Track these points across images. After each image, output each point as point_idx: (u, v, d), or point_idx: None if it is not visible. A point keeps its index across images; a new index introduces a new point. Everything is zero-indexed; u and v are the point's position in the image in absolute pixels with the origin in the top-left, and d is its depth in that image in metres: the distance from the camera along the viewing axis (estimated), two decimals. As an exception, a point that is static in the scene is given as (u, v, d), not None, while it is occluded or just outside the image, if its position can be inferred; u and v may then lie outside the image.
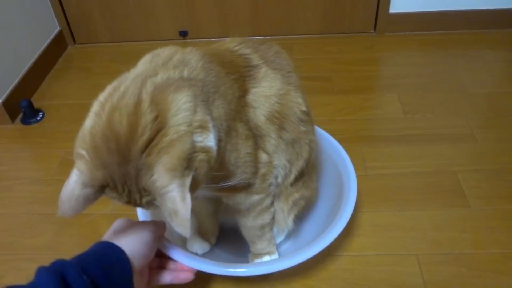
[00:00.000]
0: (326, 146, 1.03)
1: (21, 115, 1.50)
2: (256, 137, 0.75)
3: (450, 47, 1.69)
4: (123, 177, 0.56)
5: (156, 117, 0.55)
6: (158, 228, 0.77)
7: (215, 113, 0.64)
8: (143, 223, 0.78)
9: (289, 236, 0.99)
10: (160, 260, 0.82)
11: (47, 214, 1.15)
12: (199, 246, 0.97)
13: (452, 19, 1.73)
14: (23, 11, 1.61)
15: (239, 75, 0.74)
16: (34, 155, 1.38)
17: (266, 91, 0.76)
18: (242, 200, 0.80)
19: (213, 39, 1.84)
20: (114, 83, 0.63)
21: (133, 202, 0.60)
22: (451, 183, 1.13)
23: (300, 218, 0.96)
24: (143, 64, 0.68)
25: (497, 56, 1.61)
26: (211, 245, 0.99)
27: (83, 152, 0.57)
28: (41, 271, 0.61)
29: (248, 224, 0.86)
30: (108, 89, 0.62)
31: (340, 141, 1.02)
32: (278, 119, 0.77)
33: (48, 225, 1.12)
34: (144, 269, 0.74)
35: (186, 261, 0.79)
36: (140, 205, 0.60)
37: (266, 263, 0.89)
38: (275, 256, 0.93)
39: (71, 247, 1.06)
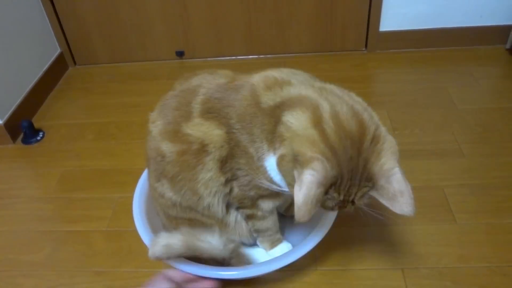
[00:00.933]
0: None
1: (22, 135, 1.55)
2: None
3: (440, 63, 1.73)
4: (351, 171, 0.66)
5: (370, 116, 0.69)
6: (175, 277, 0.84)
7: None
8: (160, 280, 0.83)
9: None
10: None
11: (45, 231, 1.19)
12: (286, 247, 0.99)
13: (441, 37, 1.77)
14: (24, 34, 1.66)
15: None
16: (34, 174, 1.42)
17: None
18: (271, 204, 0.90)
19: (208, 59, 1.89)
20: (306, 102, 0.71)
21: (347, 199, 0.70)
22: (437, 198, 1.15)
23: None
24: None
25: (486, 73, 1.65)
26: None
27: (317, 155, 0.65)
28: None
29: None
30: (303, 110, 0.70)
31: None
32: None
33: (46, 242, 1.15)
34: None
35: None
36: (352, 202, 0.71)
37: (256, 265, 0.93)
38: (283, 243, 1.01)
39: (67, 263, 1.09)
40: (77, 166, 1.40)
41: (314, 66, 1.79)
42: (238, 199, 0.85)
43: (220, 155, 0.78)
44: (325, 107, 0.69)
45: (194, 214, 0.87)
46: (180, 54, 1.90)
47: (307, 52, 1.86)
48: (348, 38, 1.82)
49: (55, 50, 1.88)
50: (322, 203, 0.70)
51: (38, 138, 1.54)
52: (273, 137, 0.73)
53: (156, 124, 0.84)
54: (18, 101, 1.59)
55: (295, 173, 0.67)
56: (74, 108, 1.70)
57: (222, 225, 0.89)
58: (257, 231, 0.93)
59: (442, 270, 0.98)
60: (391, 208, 0.68)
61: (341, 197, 0.69)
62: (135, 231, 0.93)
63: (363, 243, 1.05)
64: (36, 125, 1.57)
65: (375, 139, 0.68)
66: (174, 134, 0.81)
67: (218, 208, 0.85)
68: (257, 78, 0.79)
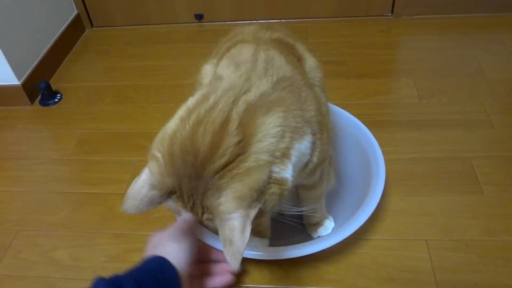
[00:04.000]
0: (354, 130, 1.09)
1: (39, 96, 1.53)
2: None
3: (469, 31, 1.65)
4: (191, 190, 0.56)
5: (240, 142, 0.54)
6: (188, 224, 0.80)
7: (308, 113, 0.65)
8: (177, 226, 0.79)
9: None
10: (200, 267, 0.85)
11: (64, 193, 1.19)
12: (260, 244, 0.95)
13: (471, 2, 1.68)
14: (41, -6, 1.63)
15: (297, 59, 0.77)
16: (52, 136, 1.41)
17: (311, 64, 0.81)
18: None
19: (228, 22, 1.84)
20: (204, 90, 0.62)
21: (194, 214, 0.59)
22: (464, 169, 1.11)
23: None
24: (228, 70, 0.66)
25: (518, 40, 1.57)
26: (269, 239, 0.97)
27: (158, 155, 0.57)
28: (99, 281, 0.64)
29: (316, 195, 0.89)
30: (197, 96, 0.61)
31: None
32: (323, 86, 0.82)
33: (65, 203, 1.15)
34: (188, 274, 0.75)
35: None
36: (201, 219, 0.60)
37: (297, 247, 0.86)
38: (330, 219, 0.99)
39: (85, 225, 1.09)
40: (94, 128, 1.39)
41: (337, 31, 1.73)
42: None
43: None
44: (211, 99, 0.58)
45: None
46: (199, 17, 1.84)
47: (330, 16, 1.79)
48: (374, 2, 1.74)
49: (72, 11, 1.84)
50: (168, 204, 0.61)
51: (56, 100, 1.52)
52: None
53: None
54: (36, 62, 1.57)
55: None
56: (91, 71, 1.68)
57: None
58: None
59: (468, 242, 0.95)
60: (224, 252, 0.55)
61: (188, 210, 0.59)
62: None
63: (386, 213, 1.02)
64: (54, 87, 1.55)
65: (226, 172, 0.53)
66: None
67: None
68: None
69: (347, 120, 1.10)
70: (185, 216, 0.80)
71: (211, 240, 0.84)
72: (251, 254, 0.84)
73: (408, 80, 1.43)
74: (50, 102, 1.51)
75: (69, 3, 1.82)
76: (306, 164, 0.67)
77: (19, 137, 1.40)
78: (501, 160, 1.13)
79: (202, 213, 0.58)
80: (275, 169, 0.56)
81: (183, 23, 1.87)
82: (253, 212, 0.54)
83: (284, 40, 0.80)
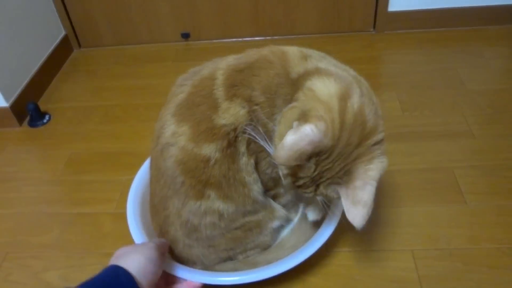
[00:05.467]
0: None
1: (28, 118, 1.54)
2: None
3: (449, 44, 1.70)
4: (340, 155, 0.65)
5: (383, 126, 0.70)
6: (161, 245, 0.80)
7: None
8: (145, 243, 0.79)
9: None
10: (167, 279, 0.84)
11: (54, 213, 1.19)
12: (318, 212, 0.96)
13: (450, 17, 1.74)
14: (29, 16, 1.65)
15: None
16: (41, 157, 1.41)
17: None
18: None
19: (214, 41, 1.87)
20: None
21: (317, 178, 0.67)
22: (447, 179, 1.14)
23: None
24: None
25: (496, 53, 1.62)
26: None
27: (328, 119, 0.63)
28: None
29: None
30: (336, 87, 0.69)
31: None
32: None
33: (55, 224, 1.16)
34: (152, 286, 0.74)
35: (191, 277, 0.84)
36: (317, 186, 0.69)
37: (258, 270, 0.87)
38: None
39: (76, 245, 1.09)
40: (84, 148, 1.40)
41: (321, 47, 1.72)
42: (264, 183, 0.84)
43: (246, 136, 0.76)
44: (357, 91, 0.68)
45: (243, 217, 0.85)
46: (185, 36, 1.87)
47: (314, 33, 1.83)
48: (356, 18, 1.79)
49: (60, 32, 1.86)
50: (293, 170, 0.68)
51: (45, 121, 1.53)
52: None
53: (182, 131, 0.76)
54: (24, 84, 1.58)
55: (295, 124, 0.64)
56: (80, 91, 1.69)
57: (269, 212, 0.89)
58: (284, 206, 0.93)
59: (452, 251, 0.97)
60: (346, 211, 0.67)
61: (315, 173, 0.67)
62: (144, 213, 0.93)
63: (372, 225, 1.04)
64: (42, 108, 1.56)
65: (377, 146, 0.67)
66: (210, 131, 0.75)
67: (261, 195, 0.84)
68: (288, 49, 0.79)
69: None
70: (156, 240, 0.82)
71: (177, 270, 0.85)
72: (233, 280, 0.84)
73: (391, 93, 1.46)
74: (39, 123, 1.52)
75: (57, 24, 1.84)
76: None
77: (8, 159, 1.40)
78: (483, 170, 1.16)
79: (329, 178, 0.67)
80: None
81: (170, 42, 1.89)
82: None
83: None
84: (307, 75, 0.72)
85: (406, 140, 1.27)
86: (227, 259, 0.92)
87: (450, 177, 1.14)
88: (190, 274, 0.85)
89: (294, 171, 0.68)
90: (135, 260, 0.71)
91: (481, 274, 0.93)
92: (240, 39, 1.86)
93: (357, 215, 0.65)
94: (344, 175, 0.67)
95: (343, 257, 0.98)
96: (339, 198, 0.69)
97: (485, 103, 1.39)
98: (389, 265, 0.96)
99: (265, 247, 0.95)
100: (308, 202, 0.94)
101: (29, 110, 1.51)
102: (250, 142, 0.77)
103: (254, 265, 0.90)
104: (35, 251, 1.09)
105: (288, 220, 0.97)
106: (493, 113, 1.35)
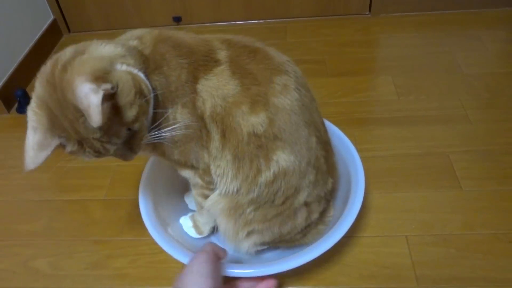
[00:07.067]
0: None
1: (16, 104, 1.51)
2: (201, 131, 0.75)
3: (446, 27, 1.67)
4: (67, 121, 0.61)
5: (76, 52, 0.64)
6: (212, 252, 0.75)
7: (152, 83, 0.70)
8: (197, 256, 0.73)
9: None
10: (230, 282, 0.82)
11: (42, 201, 1.17)
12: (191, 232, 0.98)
13: (448, -1, 1.70)
14: (16, 0, 1.60)
15: (192, 61, 0.73)
16: (30, 144, 1.39)
17: (213, 89, 0.73)
18: (191, 176, 0.84)
19: (206, 24, 1.83)
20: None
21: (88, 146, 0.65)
22: (442, 165, 1.12)
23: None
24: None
25: (494, 36, 1.59)
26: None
27: (35, 104, 0.66)
28: None
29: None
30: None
31: (333, 124, 1.03)
32: (221, 124, 0.74)
33: (43, 211, 1.14)
34: None
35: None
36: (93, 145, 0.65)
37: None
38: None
39: (65, 232, 1.08)
40: None
41: (315, 31, 1.74)
42: None
43: None
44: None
45: None
46: (177, 19, 1.84)
47: (309, 16, 1.80)
48: (352, 1, 1.76)
49: (48, 17, 1.82)
50: None
51: (33, 107, 1.50)
52: None
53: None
54: (11, 70, 1.54)
55: None
56: (70, 76, 1.66)
57: None
58: None
59: (446, 237, 0.96)
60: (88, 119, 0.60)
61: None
62: (133, 200, 0.91)
63: (366, 210, 1.03)
64: (31, 94, 1.53)
65: (67, 67, 0.61)
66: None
67: None
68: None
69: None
70: (207, 247, 0.76)
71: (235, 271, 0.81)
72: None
73: (386, 78, 1.44)
74: (27, 109, 1.48)
75: (45, 9, 1.80)
76: None
77: (-4, 146, 1.38)
78: (478, 155, 1.14)
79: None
80: (118, 65, 0.65)
81: (162, 25, 1.85)
82: (104, 86, 0.58)
83: (209, 47, 0.77)
84: None
85: (401, 125, 1.25)
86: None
87: (445, 162, 1.13)
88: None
89: None
90: (193, 283, 0.68)
91: (476, 260, 0.91)
92: (233, 23, 1.83)
93: (89, 117, 0.58)
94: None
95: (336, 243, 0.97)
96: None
97: (481, 87, 1.37)
98: (383, 251, 0.95)
99: None
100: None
101: (17, 96, 1.48)
102: None
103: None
104: (23, 239, 1.08)
105: None
106: (490, 97, 1.33)
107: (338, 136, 1.02)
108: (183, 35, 0.77)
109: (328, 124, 1.03)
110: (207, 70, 0.73)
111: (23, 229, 1.10)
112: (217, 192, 0.83)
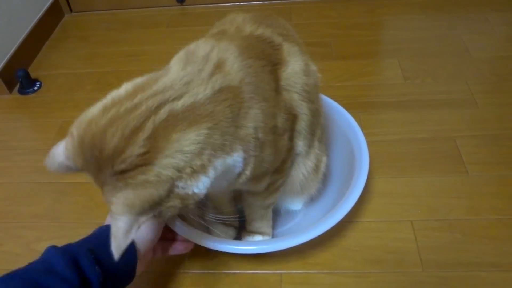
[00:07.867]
0: (334, 115, 1.03)
1: (18, 85, 1.50)
2: (291, 122, 0.74)
3: (453, 9, 1.63)
4: (95, 175, 0.57)
5: (144, 153, 0.53)
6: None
7: (243, 131, 0.61)
8: None
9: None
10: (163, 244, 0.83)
11: (46, 183, 1.16)
12: (224, 233, 0.93)
13: (456, -20, 1.67)
14: (16, -22, 1.58)
15: (272, 64, 0.70)
16: (32, 125, 1.38)
17: (295, 68, 0.72)
18: (278, 178, 0.79)
19: (210, 5, 1.80)
20: (137, 81, 0.60)
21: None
22: (449, 149, 1.11)
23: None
24: (177, 65, 0.63)
25: (502, 19, 1.56)
26: (236, 229, 0.96)
27: (74, 135, 0.57)
28: (51, 249, 0.63)
29: (258, 203, 0.85)
30: (126, 87, 0.59)
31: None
32: (308, 93, 0.74)
33: (47, 194, 1.13)
34: (148, 251, 0.73)
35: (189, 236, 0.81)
36: None
37: (271, 241, 0.87)
38: (267, 237, 0.92)
39: (68, 215, 1.08)
40: (76, 117, 1.31)
41: (320, 12, 1.70)
42: None
43: None
44: (137, 97, 0.57)
45: None
46: (180, 1, 1.80)
47: (314, -3, 1.77)
48: (358, -18, 1.72)
49: (49, -4, 1.79)
50: None
51: (35, 88, 1.49)
52: None
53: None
54: (13, 50, 1.52)
55: None
56: (71, 57, 1.64)
57: None
58: None
59: (452, 222, 0.96)
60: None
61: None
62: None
63: (371, 195, 1.02)
64: (33, 75, 1.52)
65: (122, 176, 0.54)
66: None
67: None
68: None
69: (326, 106, 1.04)
70: None
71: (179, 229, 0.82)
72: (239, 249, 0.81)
73: (392, 61, 1.41)
74: (29, 90, 1.47)
75: (46, -12, 1.77)
76: (239, 175, 0.65)
77: (-2, 128, 1.37)
78: (485, 139, 1.13)
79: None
80: (180, 184, 0.55)
81: (165, 6, 1.82)
82: (143, 219, 0.54)
83: (268, 38, 0.73)
84: None
85: (407, 109, 1.24)
86: None
87: (451, 147, 1.12)
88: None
89: None
90: None
91: (481, 245, 0.91)
92: (238, 4, 1.79)
93: (112, 246, 0.54)
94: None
95: (340, 227, 0.96)
96: None
97: (489, 71, 1.34)
98: (388, 236, 0.94)
99: None
100: None
101: (18, 77, 1.46)
102: None
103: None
104: (27, 221, 1.07)
105: None
106: (498, 81, 1.31)
107: (345, 118, 1.01)
108: (248, 38, 0.73)
109: (336, 105, 1.03)
110: (281, 62, 0.72)
111: (26, 211, 1.10)
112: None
